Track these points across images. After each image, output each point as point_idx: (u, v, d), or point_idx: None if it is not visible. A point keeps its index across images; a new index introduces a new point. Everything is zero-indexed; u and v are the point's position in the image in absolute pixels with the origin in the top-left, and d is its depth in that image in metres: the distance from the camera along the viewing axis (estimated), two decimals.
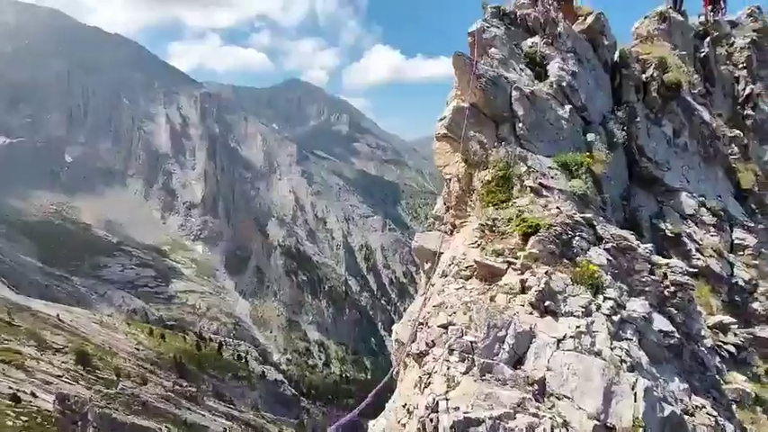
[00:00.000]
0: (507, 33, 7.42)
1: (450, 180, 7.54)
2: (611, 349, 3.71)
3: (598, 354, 3.63)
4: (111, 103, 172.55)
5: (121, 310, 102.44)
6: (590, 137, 7.12)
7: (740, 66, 15.05)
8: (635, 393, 3.48)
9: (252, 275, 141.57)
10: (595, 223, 4.95)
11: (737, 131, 12.60)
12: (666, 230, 7.82)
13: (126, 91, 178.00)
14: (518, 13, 7.80)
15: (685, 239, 7.87)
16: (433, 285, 5.64)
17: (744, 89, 14.54)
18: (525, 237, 4.73)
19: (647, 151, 8.27)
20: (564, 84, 7.16)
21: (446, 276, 5.48)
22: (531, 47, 7.49)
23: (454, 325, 3.80)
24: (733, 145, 11.86)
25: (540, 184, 5.85)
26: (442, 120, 6.94)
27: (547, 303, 3.93)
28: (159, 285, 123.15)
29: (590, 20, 8.71)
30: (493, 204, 5.90)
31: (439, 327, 3.89)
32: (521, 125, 6.46)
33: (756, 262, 8.47)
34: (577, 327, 3.74)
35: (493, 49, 7.01)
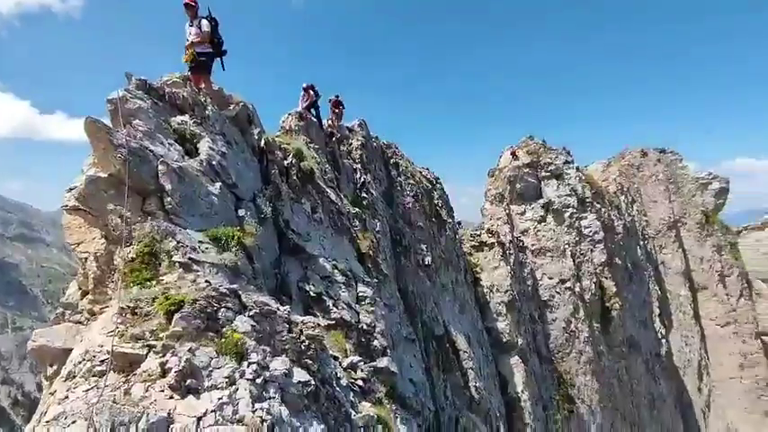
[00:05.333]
0: (154, 108, 7.32)
1: (86, 259, 6.47)
2: (253, 412, 3.92)
3: (240, 421, 3.75)
4: None
5: None
6: (241, 212, 7.71)
7: (356, 160, 20.11)
8: None
9: None
10: (241, 292, 5.28)
11: (358, 209, 16.57)
12: (311, 291, 9.17)
13: None
14: (166, 90, 7.87)
15: (325, 297, 9.44)
16: (53, 394, 4.50)
17: (360, 178, 19.41)
18: (169, 315, 4.52)
19: (292, 225, 9.65)
20: (214, 162, 7.58)
21: (74, 378, 4.50)
22: (180, 124, 7.64)
23: None
24: (356, 220, 15.44)
25: (191, 258, 5.81)
26: (71, 190, 5.99)
27: (188, 382, 3.80)
28: None
29: (238, 108, 9.77)
30: (137, 284, 5.40)
31: None
32: (169, 199, 6.33)
33: (373, 309, 11.01)
34: (219, 399, 3.78)
35: (137, 121, 6.73)
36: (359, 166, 19.97)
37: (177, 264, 5.59)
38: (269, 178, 9.88)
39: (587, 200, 32.20)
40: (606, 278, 31.39)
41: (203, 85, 8.96)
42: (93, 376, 4.34)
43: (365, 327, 10.06)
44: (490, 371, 22.86)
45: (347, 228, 13.05)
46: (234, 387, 4.06)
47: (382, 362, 9.93)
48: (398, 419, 8.98)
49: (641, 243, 41.57)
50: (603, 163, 50.07)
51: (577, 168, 33.73)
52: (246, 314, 5.02)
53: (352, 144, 20.52)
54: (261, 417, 3.92)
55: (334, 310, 9.45)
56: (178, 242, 5.88)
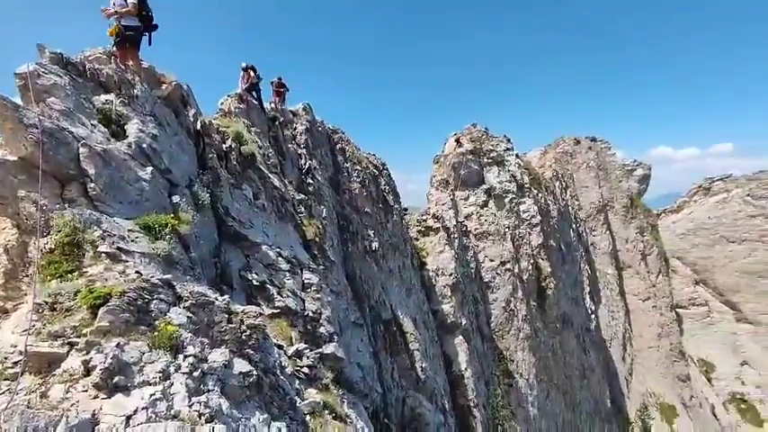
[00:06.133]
0: (73, 84, 6.67)
1: None
2: (190, 406, 3.75)
3: (175, 416, 3.57)
4: None
5: None
6: (175, 199, 7.28)
7: (301, 145, 19.63)
8: None
9: None
10: (175, 283, 5.00)
11: (303, 195, 16.24)
12: (253, 280, 8.91)
13: None
14: (87, 66, 7.18)
15: (269, 285, 9.21)
16: None
17: (305, 163, 19.01)
18: (94, 309, 4.19)
19: (232, 212, 9.27)
20: (144, 145, 7.07)
21: None
22: (104, 103, 7.02)
23: None
24: (301, 206, 15.13)
25: (119, 248, 5.41)
26: None
27: (116, 379, 3.56)
28: None
29: (171, 88, 9.14)
30: (57, 277, 4.95)
31: None
32: (93, 185, 5.83)
33: (319, 295, 10.92)
34: (152, 395, 3.58)
35: (52, 99, 6.11)
36: (304, 151, 19.48)
37: (103, 254, 5.19)
38: (206, 163, 9.39)
39: (526, 186, 33.71)
40: (542, 259, 33.21)
41: (131, 62, 8.27)
42: (4, 380, 3.96)
43: (311, 314, 9.96)
44: (435, 351, 23.58)
45: (292, 214, 12.77)
46: (168, 382, 3.86)
47: (328, 348, 9.90)
48: (346, 404, 9.03)
49: (574, 226, 44.35)
50: (541, 150, 52.63)
51: (517, 155, 35.13)
52: (182, 305, 4.78)
53: (296, 128, 19.96)
54: (198, 410, 3.77)
55: (279, 298, 9.26)
56: (104, 231, 5.45)
